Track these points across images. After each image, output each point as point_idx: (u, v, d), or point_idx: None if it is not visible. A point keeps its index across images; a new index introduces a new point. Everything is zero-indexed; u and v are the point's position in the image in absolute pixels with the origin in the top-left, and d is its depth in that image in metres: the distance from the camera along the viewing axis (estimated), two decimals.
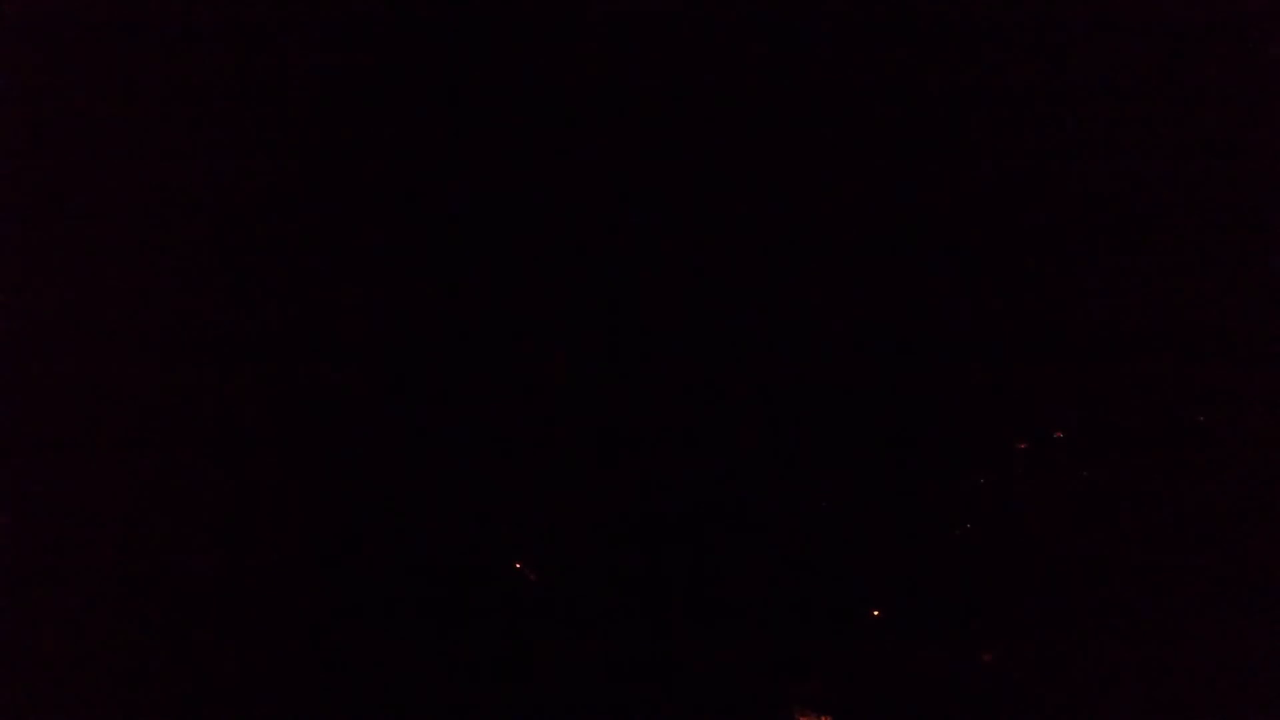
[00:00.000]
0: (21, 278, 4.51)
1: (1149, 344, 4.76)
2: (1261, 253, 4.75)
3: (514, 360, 4.82)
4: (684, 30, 4.88)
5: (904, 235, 4.91)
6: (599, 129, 4.90)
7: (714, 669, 4.54)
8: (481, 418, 4.77)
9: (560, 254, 4.89)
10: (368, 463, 4.68)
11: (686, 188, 4.93)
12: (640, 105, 4.90)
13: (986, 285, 4.88)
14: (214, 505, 4.54)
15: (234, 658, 4.42)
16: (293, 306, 4.71)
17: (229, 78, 4.65)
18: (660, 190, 4.93)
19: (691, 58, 4.89)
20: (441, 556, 4.64)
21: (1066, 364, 4.80)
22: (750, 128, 4.93)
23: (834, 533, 4.76)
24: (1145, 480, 4.68)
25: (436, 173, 4.84)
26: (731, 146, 4.93)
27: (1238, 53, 4.78)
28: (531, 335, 4.85)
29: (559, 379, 4.83)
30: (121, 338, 4.56)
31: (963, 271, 4.89)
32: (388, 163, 4.82)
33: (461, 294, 4.82)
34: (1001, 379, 4.82)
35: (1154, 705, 4.40)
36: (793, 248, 4.93)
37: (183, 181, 4.63)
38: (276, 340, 4.67)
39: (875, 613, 4.66)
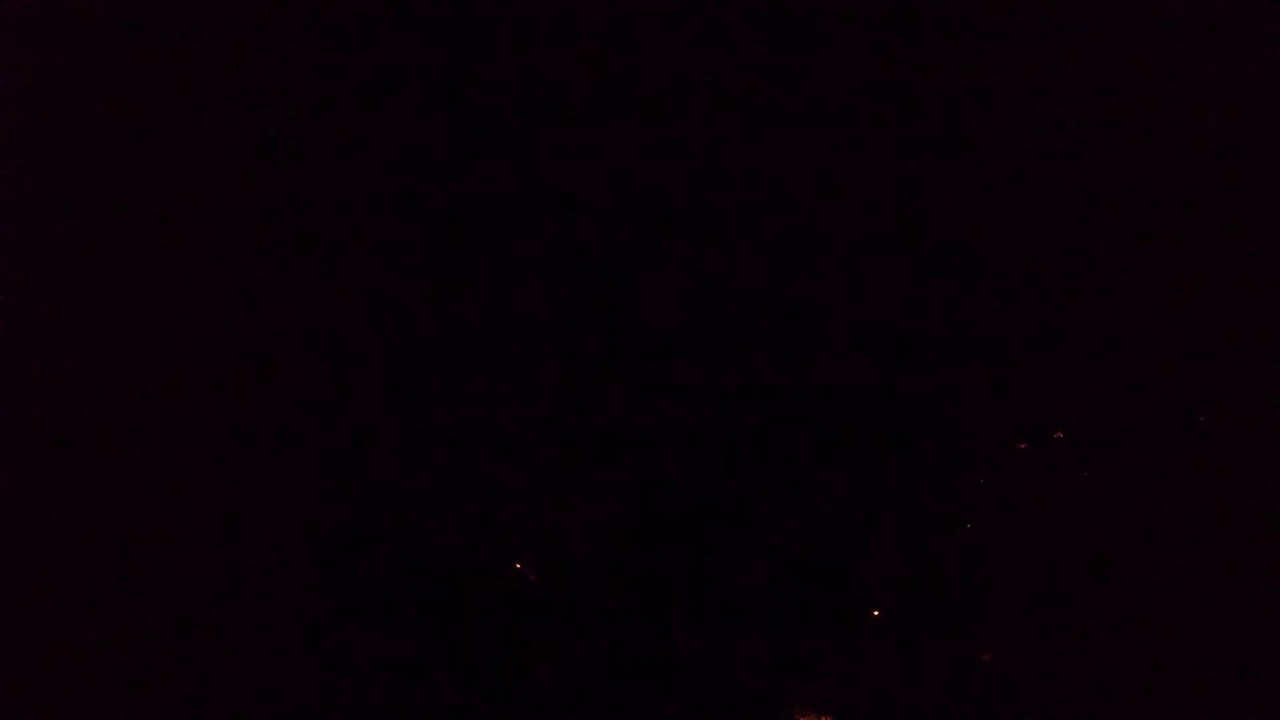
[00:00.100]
0: (21, 278, 4.51)
1: (1149, 344, 4.76)
2: (1261, 253, 4.76)
3: (514, 360, 4.82)
4: (684, 30, 4.89)
5: (904, 235, 4.92)
6: (599, 129, 4.90)
7: (714, 669, 4.54)
8: (481, 418, 4.77)
9: (560, 254, 4.89)
10: (368, 463, 4.68)
11: (686, 188, 4.93)
12: (640, 105, 4.90)
13: (986, 285, 4.88)
14: (214, 505, 4.54)
15: (234, 658, 4.42)
16: (293, 306, 4.71)
17: (229, 78, 4.66)
18: (660, 190, 4.93)
19: (691, 58, 4.89)
20: (441, 556, 4.64)
21: (1066, 364, 4.80)
22: (750, 128, 4.93)
23: (834, 533, 4.76)
24: (1145, 480, 4.68)
25: (436, 173, 4.84)
26: (731, 146, 4.93)
27: (1238, 53, 4.78)
28: (531, 335, 4.85)
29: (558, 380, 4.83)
30: (121, 338, 4.56)
31: (963, 271, 4.89)
32: (388, 163, 4.82)
33: (461, 294, 4.83)
34: (1001, 379, 4.82)
35: (1154, 705, 4.40)
36: (793, 248, 4.94)
37: (183, 181, 4.63)
38: (276, 340, 4.68)
39: (875, 613, 4.66)
